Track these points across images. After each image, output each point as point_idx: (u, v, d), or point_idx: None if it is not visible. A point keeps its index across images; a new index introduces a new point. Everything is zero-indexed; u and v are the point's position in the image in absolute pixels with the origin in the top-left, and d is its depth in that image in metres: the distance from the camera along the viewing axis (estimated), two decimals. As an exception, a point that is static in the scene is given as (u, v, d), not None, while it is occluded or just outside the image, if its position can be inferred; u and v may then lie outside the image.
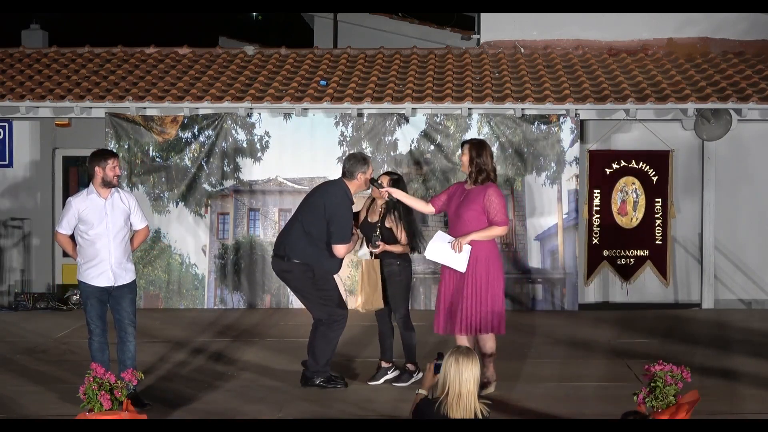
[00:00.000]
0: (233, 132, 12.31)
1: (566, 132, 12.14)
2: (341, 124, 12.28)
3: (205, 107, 12.23)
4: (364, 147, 12.16)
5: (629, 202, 12.32)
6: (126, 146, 12.30)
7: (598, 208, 12.34)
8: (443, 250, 7.69)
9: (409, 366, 8.24)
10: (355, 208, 8.18)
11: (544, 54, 13.70)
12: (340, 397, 7.81)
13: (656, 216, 12.30)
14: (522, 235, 12.15)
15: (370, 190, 8.28)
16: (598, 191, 12.34)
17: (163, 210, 12.34)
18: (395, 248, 8.08)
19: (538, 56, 13.59)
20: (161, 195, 12.34)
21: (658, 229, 12.30)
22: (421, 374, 8.07)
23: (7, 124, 12.89)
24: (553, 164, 12.15)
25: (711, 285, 12.36)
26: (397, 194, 7.97)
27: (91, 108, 12.33)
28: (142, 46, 14.16)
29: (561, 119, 12.12)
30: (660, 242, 12.30)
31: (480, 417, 5.35)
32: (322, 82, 12.59)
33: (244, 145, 12.32)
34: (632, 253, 12.34)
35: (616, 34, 13.91)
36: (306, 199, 8.16)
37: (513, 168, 12.17)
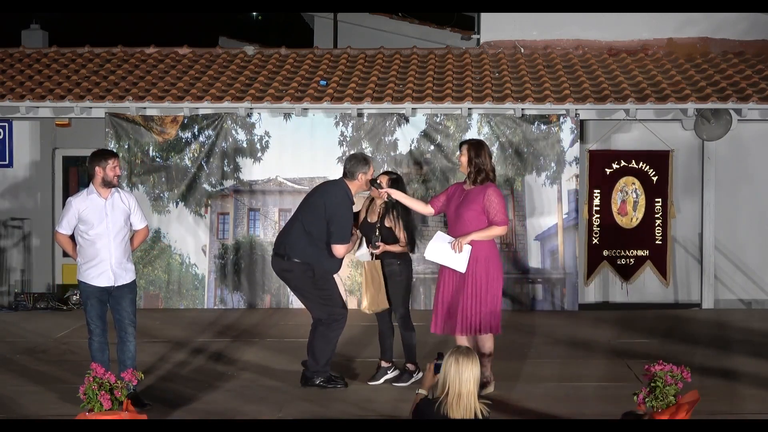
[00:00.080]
0: (233, 132, 12.31)
1: (566, 132, 12.14)
2: (341, 124, 12.28)
3: (205, 107, 12.23)
4: (364, 147, 12.16)
5: (629, 202, 12.32)
6: (126, 146, 12.30)
7: (598, 208, 12.34)
8: (443, 251, 7.68)
9: (409, 366, 8.24)
10: (355, 209, 8.18)
11: (544, 54, 13.71)
12: (340, 397, 7.81)
13: (656, 216, 12.30)
14: (522, 235, 12.15)
15: (370, 191, 8.28)
16: (598, 191, 12.34)
17: (163, 210, 12.34)
18: (395, 248, 8.08)
19: (538, 56, 13.59)
20: (161, 195, 12.34)
21: (658, 229, 12.30)
22: (421, 374, 8.07)
23: (7, 124, 12.90)
24: (553, 164, 12.15)
25: (711, 285, 12.36)
26: (397, 195, 7.97)
27: (91, 108, 12.33)
28: (142, 46, 14.16)
29: (561, 119, 12.12)
30: (660, 242, 12.30)
31: (480, 417, 5.35)
32: (322, 82, 12.59)
33: (244, 145, 12.32)
34: (632, 253, 12.34)
35: (616, 34, 13.91)
36: (306, 199, 8.16)
37: (513, 168, 12.17)
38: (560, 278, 12.12)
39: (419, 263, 11.19)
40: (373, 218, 8.17)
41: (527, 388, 8.06)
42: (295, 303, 11.53)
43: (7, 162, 12.95)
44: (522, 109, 12.04)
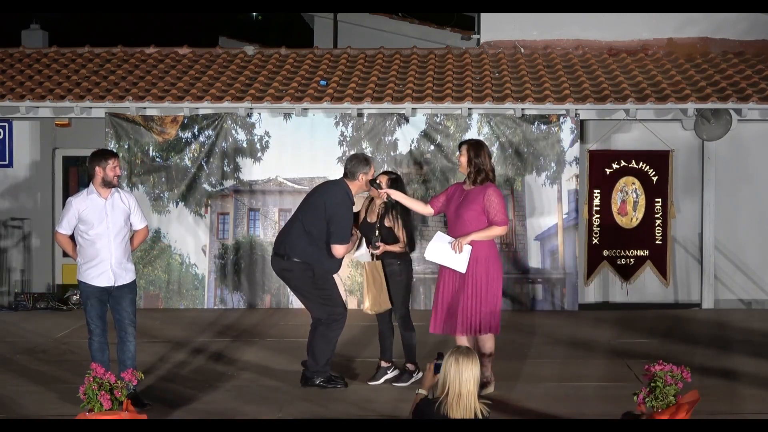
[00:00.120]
0: (233, 132, 12.31)
1: (566, 132, 12.14)
2: (341, 124, 12.28)
3: (205, 107, 12.23)
4: (364, 147, 12.16)
5: (629, 202, 12.32)
6: (126, 146, 12.30)
7: (598, 208, 12.34)
8: (443, 251, 7.68)
9: (409, 366, 8.24)
10: (355, 209, 8.17)
11: (544, 54, 13.71)
12: (340, 397, 7.81)
13: (656, 216, 12.30)
14: (522, 235, 12.15)
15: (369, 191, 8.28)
16: (598, 191, 12.34)
17: (163, 210, 12.34)
18: (395, 248, 8.08)
19: (538, 56, 13.59)
20: (161, 195, 12.34)
21: (658, 229, 12.30)
22: (420, 374, 8.07)
23: (7, 124, 12.90)
24: (553, 164, 12.15)
25: (711, 285, 12.36)
26: (396, 195, 7.97)
27: (91, 108, 12.33)
28: (142, 46, 14.16)
29: (561, 119, 12.12)
30: (660, 242, 12.30)
31: (480, 417, 5.35)
32: (322, 82, 12.59)
33: (244, 145, 12.32)
34: (632, 253, 12.34)
35: (616, 34, 13.92)
36: (307, 199, 8.15)
37: (513, 168, 12.17)
38: (560, 278, 12.12)
39: (419, 263, 11.19)
40: (372, 218, 8.17)
41: (527, 388, 8.05)
42: (295, 303, 11.53)
43: (7, 162, 12.95)
44: (522, 109, 12.04)
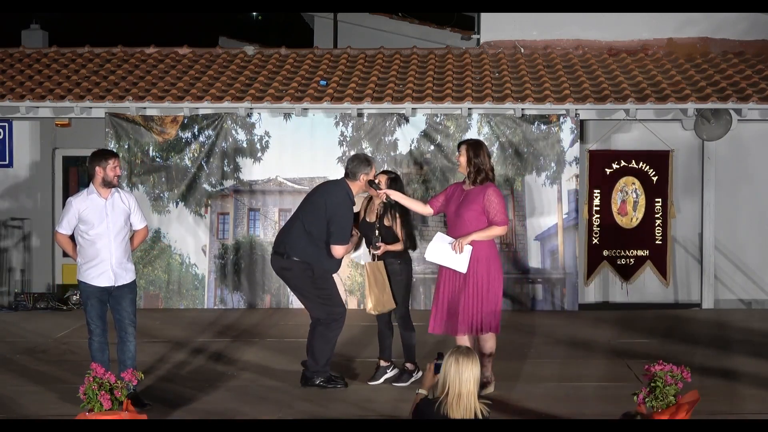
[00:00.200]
0: (233, 132, 12.31)
1: (566, 132, 12.14)
2: (341, 124, 12.28)
3: (205, 107, 12.23)
4: (364, 147, 12.16)
5: (629, 202, 12.32)
6: (126, 146, 12.30)
7: (598, 208, 12.34)
8: (443, 251, 7.67)
9: (408, 365, 8.24)
10: (355, 209, 8.17)
11: (544, 54, 13.71)
12: (340, 397, 7.81)
13: (656, 216, 12.30)
14: (522, 235, 12.15)
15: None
16: (598, 191, 12.34)
17: (163, 210, 12.34)
18: (396, 247, 8.08)
19: (538, 56, 13.59)
20: (161, 195, 12.35)
21: (658, 229, 12.30)
22: (420, 373, 8.07)
23: (7, 124, 12.90)
24: (553, 164, 12.15)
25: (711, 285, 12.36)
26: (395, 196, 7.96)
27: (91, 108, 12.33)
28: (142, 46, 14.16)
29: (561, 119, 12.12)
30: (660, 242, 12.30)
31: (480, 417, 5.35)
32: (322, 82, 12.59)
33: (244, 145, 12.32)
34: (632, 253, 12.34)
35: (616, 34, 13.91)
36: (307, 198, 8.15)
37: (513, 168, 12.17)
38: (560, 278, 12.12)
39: (419, 263, 11.19)
40: (371, 218, 8.17)
41: (527, 388, 8.05)
42: (295, 303, 11.52)
43: (7, 162, 12.95)
44: (522, 109, 12.04)
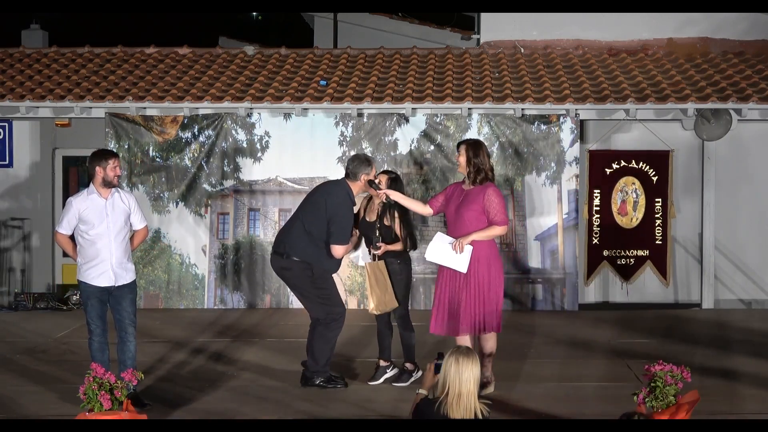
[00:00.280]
0: (233, 132, 12.31)
1: (566, 132, 12.14)
2: (341, 124, 12.28)
3: (205, 107, 12.23)
4: (364, 147, 12.16)
5: (629, 202, 12.32)
6: (126, 146, 12.30)
7: (598, 208, 12.34)
8: (444, 251, 7.67)
9: (408, 365, 8.24)
10: (355, 209, 8.17)
11: (544, 54, 13.71)
12: (340, 397, 7.81)
13: (656, 216, 12.30)
14: (522, 235, 12.15)
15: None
16: (598, 191, 12.34)
17: (163, 210, 12.34)
18: (396, 247, 8.08)
19: (538, 56, 13.59)
20: (161, 195, 12.35)
21: (658, 229, 12.30)
22: (420, 373, 8.07)
23: (7, 124, 12.90)
24: (553, 164, 12.15)
25: (711, 285, 12.36)
26: (395, 196, 7.96)
27: (91, 108, 12.33)
28: (142, 46, 14.16)
29: (561, 119, 12.12)
30: (660, 242, 12.30)
31: (480, 417, 5.35)
32: (322, 82, 12.59)
33: (244, 145, 12.32)
34: (632, 253, 12.34)
35: (616, 34, 13.91)
36: (307, 198, 8.16)
37: (513, 168, 12.17)
38: (560, 278, 12.12)
39: (419, 263, 11.19)
40: (371, 217, 8.17)
41: (527, 388, 8.05)
42: (295, 303, 11.52)
43: (7, 162, 12.95)
44: (522, 109, 12.04)
